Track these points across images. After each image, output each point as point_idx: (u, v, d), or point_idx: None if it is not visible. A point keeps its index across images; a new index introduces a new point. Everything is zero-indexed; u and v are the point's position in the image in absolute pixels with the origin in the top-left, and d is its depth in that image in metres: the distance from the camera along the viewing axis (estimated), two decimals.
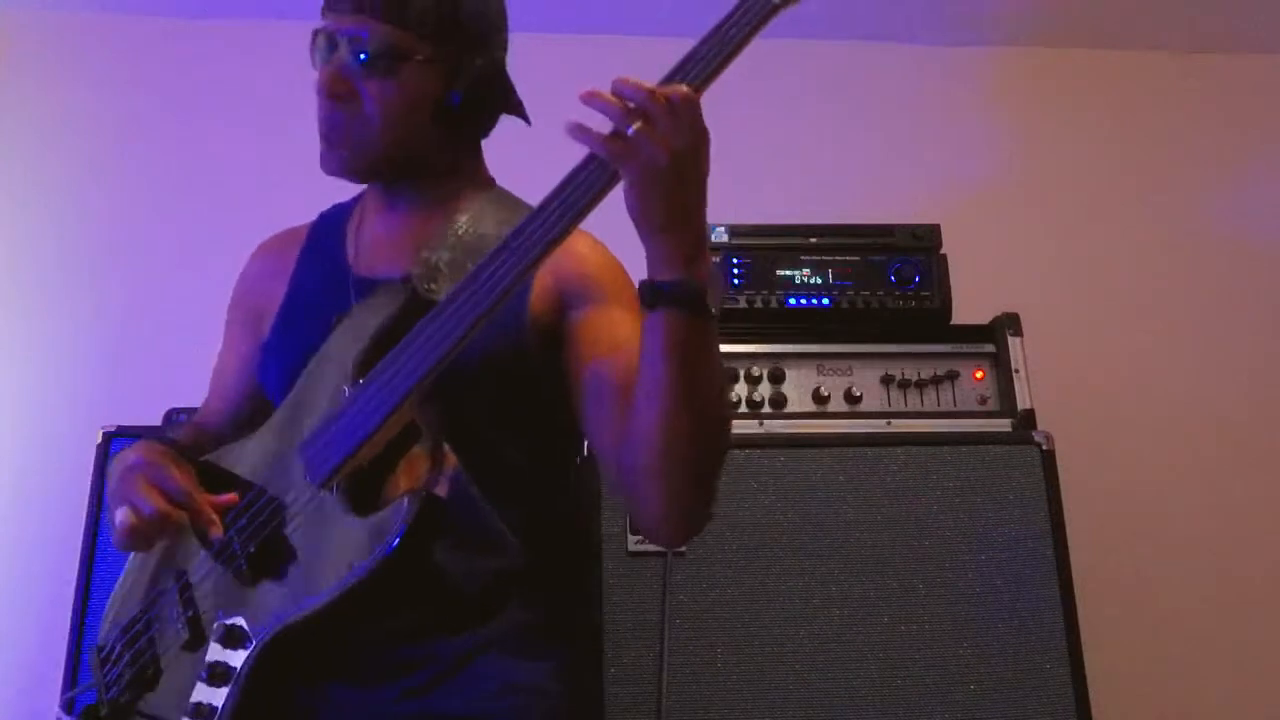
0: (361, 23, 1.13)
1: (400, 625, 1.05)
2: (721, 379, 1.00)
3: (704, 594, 1.59)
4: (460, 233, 1.17)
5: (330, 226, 1.30)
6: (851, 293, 1.86)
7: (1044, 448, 1.70)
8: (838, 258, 1.88)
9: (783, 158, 2.47)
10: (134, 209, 2.43)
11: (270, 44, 2.58)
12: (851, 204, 2.22)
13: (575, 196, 0.93)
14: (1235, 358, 2.47)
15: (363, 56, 1.13)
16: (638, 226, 0.93)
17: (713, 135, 0.92)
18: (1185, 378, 2.44)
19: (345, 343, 1.08)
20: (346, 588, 0.95)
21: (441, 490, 0.99)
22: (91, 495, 1.71)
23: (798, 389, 1.79)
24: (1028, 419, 1.75)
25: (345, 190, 2.58)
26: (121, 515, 1.01)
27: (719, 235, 1.87)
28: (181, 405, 1.80)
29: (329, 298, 1.18)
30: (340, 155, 1.17)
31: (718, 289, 0.95)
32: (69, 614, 1.66)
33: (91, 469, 1.72)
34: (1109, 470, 2.27)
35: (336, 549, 0.98)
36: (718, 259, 1.85)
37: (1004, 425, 1.76)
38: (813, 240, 1.90)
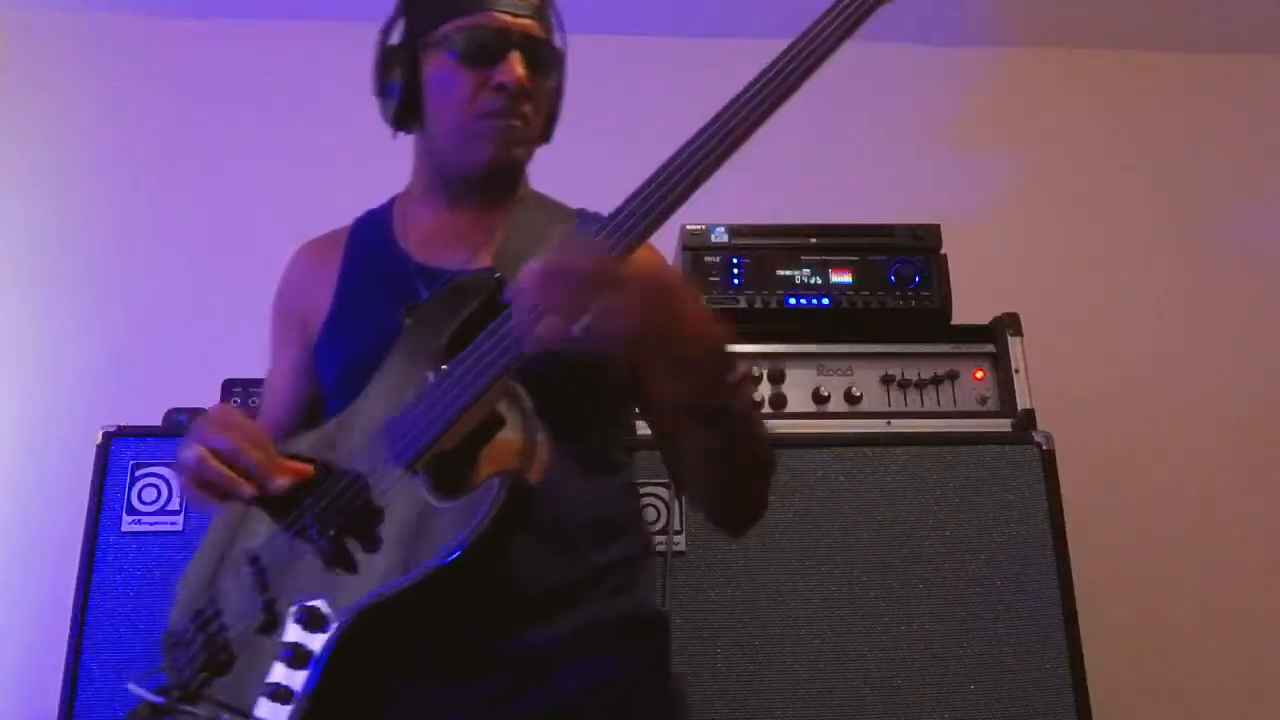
0: (534, 26, 1.19)
1: (485, 618, 1.04)
2: (761, 441, 1.04)
3: (704, 594, 1.59)
4: (523, 228, 1.20)
5: (372, 226, 1.31)
6: (851, 293, 1.86)
7: (1044, 448, 1.70)
8: (838, 258, 1.88)
9: (783, 158, 2.47)
10: (134, 208, 2.43)
11: (271, 43, 2.58)
12: (851, 204, 2.21)
13: (678, 179, 0.93)
14: (1235, 357, 2.47)
15: (543, 60, 1.19)
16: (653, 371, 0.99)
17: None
18: (1185, 378, 2.44)
19: (428, 330, 1.08)
20: (432, 569, 0.94)
21: (535, 478, 0.98)
22: (91, 495, 1.70)
23: (798, 389, 1.79)
24: (1028, 419, 1.75)
25: (339, 186, 2.58)
26: (194, 453, 0.99)
27: (719, 235, 1.87)
28: (181, 405, 1.80)
29: (386, 289, 1.19)
30: (522, 154, 1.22)
31: (747, 391, 0.99)
32: (69, 614, 1.66)
33: (91, 469, 1.72)
34: (1109, 470, 2.27)
35: (421, 531, 0.97)
36: (717, 259, 1.85)
37: (1004, 425, 1.76)
38: (813, 240, 1.89)
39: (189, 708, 1.06)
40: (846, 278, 1.87)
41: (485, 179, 1.22)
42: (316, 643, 0.98)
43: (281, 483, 1.01)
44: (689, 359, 0.94)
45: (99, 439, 1.73)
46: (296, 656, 0.98)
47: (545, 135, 1.28)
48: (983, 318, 1.87)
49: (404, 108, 1.22)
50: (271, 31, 2.58)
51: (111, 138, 2.48)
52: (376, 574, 0.98)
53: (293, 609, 1.01)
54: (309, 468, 1.04)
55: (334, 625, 0.98)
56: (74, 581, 1.67)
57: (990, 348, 1.83)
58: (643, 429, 1.26)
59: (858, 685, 1.56)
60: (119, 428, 1.74)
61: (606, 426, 1.18)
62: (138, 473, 1.71)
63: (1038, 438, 1.71)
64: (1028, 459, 1.69)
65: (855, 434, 1.71)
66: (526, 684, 1.04)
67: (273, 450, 1.04)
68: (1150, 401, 2.40)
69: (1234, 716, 2.20)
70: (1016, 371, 1.79)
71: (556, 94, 1.27)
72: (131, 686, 1.09)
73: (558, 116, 1.29)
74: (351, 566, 1.00)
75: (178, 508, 1.70)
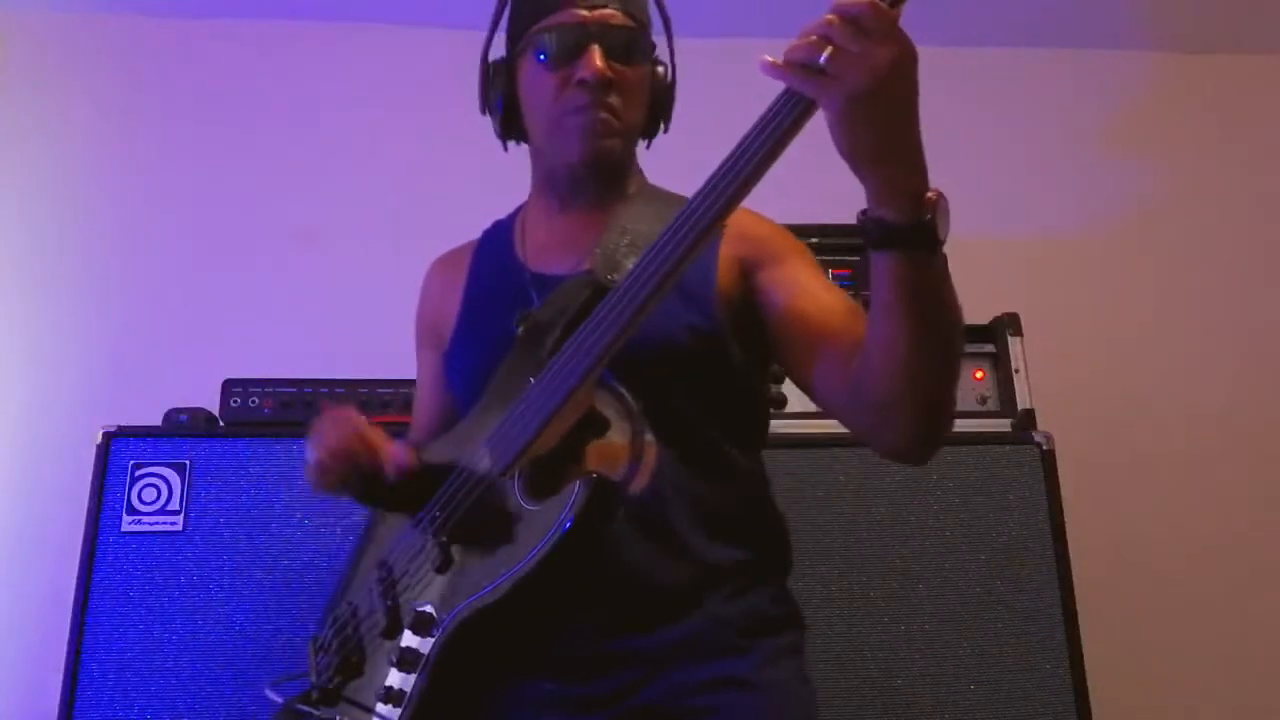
0: (615, 15, 1.17)
1: (596, 620, 1.05)
2: (953, 300, 0.96)
3: None
4: (630, 224, 1.18)
5: (497, 237, 1.32)
6: (851, 293, 1.85)
7: (1044, 448, 1.70)
8: (838, 258, 1.88)
9: (782, 158, 2.47)
10: (134, 209, 2.43)
11: (271, 43, 2.58)
12: (852, 204, 2.21)
13: (756, 148, 0.91)
14: (1235, 358, 2.47)
15: (627, 47, 1.17)
16: (850, 163, 0.89)
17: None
18: (1185, 378, 2.44)
19: (537, 337, 1.10)
20: (521, 574, 0.95)
21: (642, 481, 0.98)
22: (91, 495, 1.70)
23: (798, 389, 1.79)
24: (1028, 419, 1.75)
25: (339, 186, 2.56)
26: (312, 453, 1.10)
27: None
28: (181, 405, 1.80)
29: (505, 298, 1.20)
30: (615, 145, 1.19)
31: (946, 217, 0.91)
32: (69, 614, 1.66)
33: (91, 469, 1.72)
34: (1109, 470, 2.27)
35: (514, 536, 0.99)
36: None
37: (1004, 425, 1.76)
38: (813, 240, 1.88)
39: (315, 709, 1.10)
40: (847, 278, 1.87)
41: (584, 177, 1.20)
42: (425, 646, 1.01)
43: (389, 472, 1.07)
44: (904, 147, 0.90)
45: (99, 439, 1.73)
46: (408, 660, 1.02)
47: (649, 125, 1.25)
48: (983, 318, 1.86)
49: (507, 119, 1.23)
50: (271, 31, 2.58)
51: (111, 138, 2.48)
52: (473, 581, 1.00)
53: (408, 614, 1.05)
54: (410, 459, 1.08)
55: (439, 630, 1.01)
56: (74, 581, 1.67)
57: (990, 348, 1.83)
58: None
59: (858, 685, 1.56)
60: (119, 428, 1.74)
61: (721, 426, 1.15)
62: (138, 473, 1.71)
63: (1038, 438, 1.71)
64: (1028, 459, 1.70)
65: None
66: (641, 682, 1.04)
67: (380, 444, 1.09)
68: (1150, 401, 2.40)
69: (1234, 716, 2.20)
70: (1016, 371, 1.79)
71: (657, 80, 1.24)
72: (267, 691, 1.13)
73: (666, 104, 1.25)
74: (455, 572, 1.03)
75: (178, 508, 1.70)
